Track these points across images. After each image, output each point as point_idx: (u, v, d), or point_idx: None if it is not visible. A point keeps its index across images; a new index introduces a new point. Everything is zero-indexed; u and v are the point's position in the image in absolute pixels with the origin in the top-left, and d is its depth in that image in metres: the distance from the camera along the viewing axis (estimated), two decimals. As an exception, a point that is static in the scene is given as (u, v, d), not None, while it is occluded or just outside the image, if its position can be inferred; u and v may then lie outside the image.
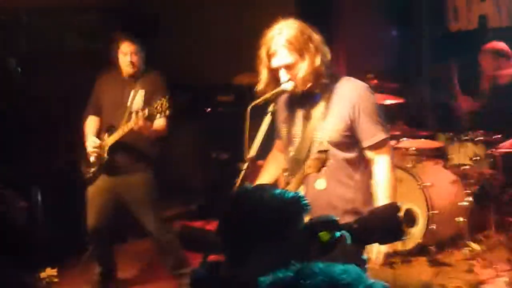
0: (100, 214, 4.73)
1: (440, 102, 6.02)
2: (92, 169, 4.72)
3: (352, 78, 3.08)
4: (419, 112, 6.03)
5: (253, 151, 2.84)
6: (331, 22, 5.57)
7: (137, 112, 4.42)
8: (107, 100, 4.73)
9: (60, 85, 5.96)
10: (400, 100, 5.42)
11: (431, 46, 6.36)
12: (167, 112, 4.37)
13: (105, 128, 4.67)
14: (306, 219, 1.84)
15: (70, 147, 5.16)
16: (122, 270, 5.26)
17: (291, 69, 2.91)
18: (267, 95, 2.93)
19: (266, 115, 2.94)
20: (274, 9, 5.06)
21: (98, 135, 4.68)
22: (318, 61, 2.92)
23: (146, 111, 4.38)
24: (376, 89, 5.09)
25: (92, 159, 4.69)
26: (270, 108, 2.97)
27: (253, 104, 2.89)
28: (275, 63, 2.91)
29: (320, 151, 2.79)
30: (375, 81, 5.25)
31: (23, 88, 6.20)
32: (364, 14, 6.23)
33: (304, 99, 3.05)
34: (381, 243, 2.42)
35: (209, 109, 6.40)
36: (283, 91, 2.96)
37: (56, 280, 4.92)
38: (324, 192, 2.93)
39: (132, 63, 4.58)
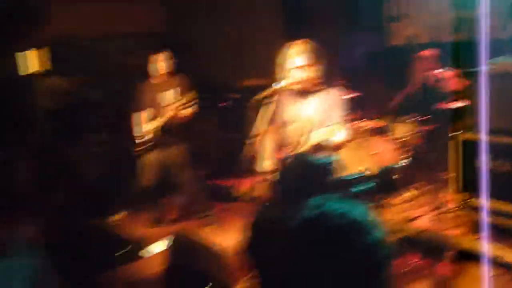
0: (152, 176, 4.96)
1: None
2: (144, 146, 4.92)
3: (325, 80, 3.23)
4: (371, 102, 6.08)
5: (257, 129, 3.09)
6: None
7: (171, 105, 4.75)
8: (150, 99, 4.91)
9: (113, 90, 6.24)
10: (359, 94, 5.56)
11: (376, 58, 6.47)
12: (191, 104, 4.70)
13: (149, 118, 4.88)
14: None
15: (125, 132, 5.25)
16: (166, 213, 5.39)
17: (304, 71, 3.08)
18: (268, 91, 3.09)
19: (265, 105, 3.09)
20: (267, 30, 5.28)
21: (146, 123, 4.89)
22: (322, 69, 3.16)
23: (177, 104, 4.72)
24: (344, 87, 5.15)
25: (143, 139, 4.89)
26: (272, 99, 3.11)
27: (257, 97, 3.10)
28: (294, 64, 3.06)
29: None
30: (343, 81, 5.26)
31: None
32: (335, 29, 6.37)
33: (301, 95, 3.21)
34: None
35: (223, 103, 6.55)
36: (281, 89, 3.10)
37: (123, 222, 5.32)
38: None
39: (162, 74, 4.82)
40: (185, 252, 3.89)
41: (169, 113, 4.74)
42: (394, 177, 5.07)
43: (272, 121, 3.26)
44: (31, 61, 6.63)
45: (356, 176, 3.67)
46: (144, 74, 4.98)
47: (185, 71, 5.19)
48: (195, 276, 3.74)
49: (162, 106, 4.82)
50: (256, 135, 3.08)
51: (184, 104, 4.70)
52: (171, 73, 4.91)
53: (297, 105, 3.23)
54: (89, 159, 5.26)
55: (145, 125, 4.91)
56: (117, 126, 5.76)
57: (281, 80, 3.09)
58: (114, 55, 7.00)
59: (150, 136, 4.89)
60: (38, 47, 6.41)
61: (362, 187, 3.13)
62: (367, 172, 4.86)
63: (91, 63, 6.68)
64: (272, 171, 3.29)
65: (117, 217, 5.30)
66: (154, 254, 4.42)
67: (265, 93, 3.09)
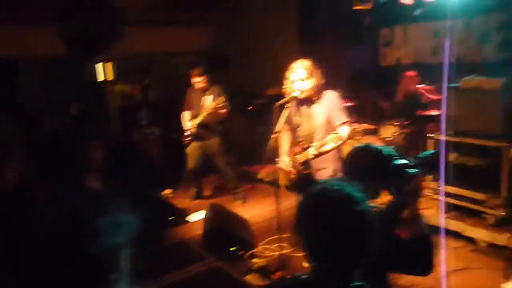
0: (194, 161, 5.02)
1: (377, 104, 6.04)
2: (189, 138, 4.97)
3: (329, 90, 3.15)
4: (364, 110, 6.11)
5: (278, 127, 3.03)
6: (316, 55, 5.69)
7: (207, 107, 4.77)
8: (194, 102, 4.98)
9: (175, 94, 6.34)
10: (352, 103, 5.53)
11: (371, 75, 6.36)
12: (224, 105, 4.74)
13: (193, 116, 4.94)
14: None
15: (176, 128, 5.35)
16: (205, 190, 5.52)
17: (303, 83, 3.01)
18: (286, 98, 3.04)
19: (284, 109, 3.06)
20: (285, 50, 5.26)
21: (190, 120, 4.96)
22: (318, 81, 3.05)
23: (213, 104, 4.80)
24: (341, 97, 5.40)
25: (188, 132, 4.96)
26: (287, 105, 3.05)
27: (278, 103, 3.05)
28: (295, 77, 3.02)
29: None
30: (342, 93, 5.33)
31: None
32: (334, 55, 6.27)
33: (307, 102, 3.13)
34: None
35: (250, 107, 6.54)
36: (295, 97, 3.05)
37: (171, 196, 5.47)
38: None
39: (199, 84, 4.87)
40: (219, 218, 4.00)
41: (204, 113, 4.81)
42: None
43: (287, 122, 3.20)
44: (106, 71, 6.82)
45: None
46: (190, 83, 5.03)
47: (224, 80, 5.23)
48: (226, 237, 3.86)
49: (201, 107, 4.89)
50: (277, 132, 3.05)
51: (215, 107, 4.74)
52: (208, 83, 4.94)
53: (306, 111, 3.16)
54: (149, 146, 5.33)
55: (189, 122, 4.99)
56: (170, 121, 5.79)
57: (291, 90, 3.06)
58: (171, 68, 7.05)
59: (194, 130, 4.96)
60: (110, 60, 6.56)
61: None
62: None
63: (154, 73, 6.78)
64: (289, 162, 3.27)
65: (168, 191, 5.43)
66: (195, 221, 4.53)
67: (285, 99, 3.06)
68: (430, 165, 1.67)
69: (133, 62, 6.78)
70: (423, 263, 1.46)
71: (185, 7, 6.51)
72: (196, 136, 4.96)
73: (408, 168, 1.48)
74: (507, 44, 5.01)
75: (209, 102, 4.85)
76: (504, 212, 3.63)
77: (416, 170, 1.48)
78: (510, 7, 4.77)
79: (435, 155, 1.80)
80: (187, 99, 5.06)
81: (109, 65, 6.87)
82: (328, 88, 3.17)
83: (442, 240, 3.81)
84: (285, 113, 3.06)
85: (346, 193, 1.12)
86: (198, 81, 4.88)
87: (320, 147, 2.89)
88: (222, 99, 4.74)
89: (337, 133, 2.85)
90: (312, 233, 1.11)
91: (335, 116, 3.06)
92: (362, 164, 1.64)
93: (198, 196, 5.33)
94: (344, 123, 3.05)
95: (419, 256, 1.44)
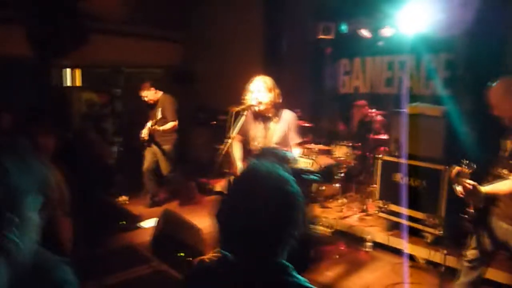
0: (148, 163, 5.19)
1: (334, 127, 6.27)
2: (145, 142, 5.18)
3: (288, 110, 3.20)
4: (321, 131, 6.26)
5: (231, 133, 2.99)
6: (282, 81, 5.86)
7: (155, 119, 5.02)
8: (151, 113, 5.21)
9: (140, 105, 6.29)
10: (310, 124, 5.62)
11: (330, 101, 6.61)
12: (173, 119, 4.95)
13: (152, 124, 5.13)
14: None
15: (135, 134, 5.41)
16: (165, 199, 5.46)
17: (261, 95, 3.05)
18: (243, 106, 3.05)
19: (241, 116, 3.07)
20: (251, 71, 5.42)
21: (145, 129, 5.16)
22: (275, 97, 3.10)
23: (152, 122, 4.99)
24: (299, 118, 5.53)
25: (144, 137, 5.15)
26: (244, 113, 3.06)
27: (235, 109, 3.04)
28: (254, 88, 3.08)
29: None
30: (300, 113, 5.40)
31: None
32: (298, 79, 6.49)
33: (264, 118, 3.16)
34: None
35: (214, 122, 6.54)
36: (251, 105, 3.07)
37: (127, 203, 5.36)
38: None
39: (149, 99, 5.14)
40: (170, 224, 3.95)
41: (148, 125, 5.06)
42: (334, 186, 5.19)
43: (242, 133, 3.19)
44: (75, 77, 6.71)
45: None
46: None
47: (189, 96, 5.34)
48: (175, 243, 3.79)
49: (155, 118, 5.11)
50: (230, 138, 3.02)
51: (160, 119, 5.01)
52: (156, 99, 5.18)
53: (263, 126, 3.17)
54: (111, 152, 5.26)
55: (144, 131, 5.17)
56: (133, 131, 5.83)
57: (249, 100, 3.12)
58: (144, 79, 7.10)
59: (146, 138, 5.15)
60: (78, 67, 6.50)
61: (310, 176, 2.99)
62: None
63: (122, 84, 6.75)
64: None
65: (124, 198, 5.33)
66: (148, 227, 4.45)
67: (241, 106, 3.08)
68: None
69: (103, 72, 6.75)
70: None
71: (156, 23, 6.63)
72: (151, 141, 5.17)
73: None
74: (451, 81, 5.40)
75: (159, 114, 5.12)
76: (441, 231, 3.78)
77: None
78: (455, 49, 5.16)
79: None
80: (148, 109, 5.28)
81: (78, 72, 6.83)
82: (287, 108, 3.23)
83: (386, 256, 3.99)
84: (240, 120, 3.08)
85: (277, 173, 1.11)
86: (146, 95, 5.16)
87: None
88: (155, 121, 5.06)
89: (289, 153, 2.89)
90: (244, 210, 1.06)
91: (291, 135, 3.12)
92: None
93: (154, 203, 5.28)
94: (298, 144, 3.13)
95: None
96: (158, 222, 4.04)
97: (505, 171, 2.45)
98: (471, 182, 2.33)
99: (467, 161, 2.35)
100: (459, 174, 2.38)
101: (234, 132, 3.04)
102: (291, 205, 1.07)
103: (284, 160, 2.11)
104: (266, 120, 3.16)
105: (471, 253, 2.84)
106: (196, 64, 7.09)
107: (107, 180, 4.41)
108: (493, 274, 3.32)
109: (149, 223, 4.51)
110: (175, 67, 7.09)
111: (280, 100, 3.13)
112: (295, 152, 3.05)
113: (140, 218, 4.68)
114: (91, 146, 3.96)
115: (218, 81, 6.67)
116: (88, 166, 3.44)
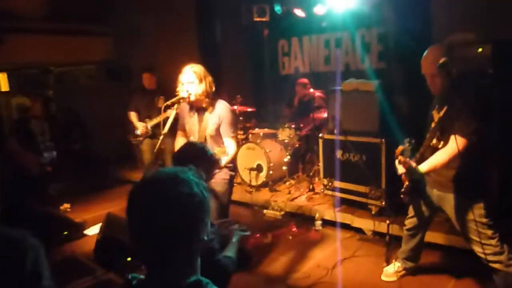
0: (151, 154, 4.84)
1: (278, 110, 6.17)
2: (140, 138, 4.86)
3: (223, 101, 3.01)
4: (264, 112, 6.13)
5: (165, 130, 2.83)
6: (220, 68, 5.64)
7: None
8: (140, 103, 4.92)
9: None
10: (253, 109, 5.60)
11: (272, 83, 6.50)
12: None
13: (145, 117, 4.85)
14: None
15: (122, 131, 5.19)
16: None
17: (192, 86, 2.85)
18: (173, 100, 2.86)
19: (170, 110, 2.96)
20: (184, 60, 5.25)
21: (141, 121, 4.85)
22: (207, 87, 2.89)
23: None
24: (241, 103, 5.30)
25: (139, 132, 4.83)
26: (175, 107, 2.90)
27: (165, 103, 2.92)
28: (185, 80, 2.87)
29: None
30: (240, 99, 5.27)
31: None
32: (237, 64, 6.39)
33: (199, 110, 2.99)
34: None
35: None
36: (182, 98, 2.87)
37: (69, 210, 5.03)
38: None
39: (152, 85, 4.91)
40: (114, 227, 3.69)
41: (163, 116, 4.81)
42: (281, 169, 5.13)
43: (181, 128, 3.08)
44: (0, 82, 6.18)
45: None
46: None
47: (127, 91, 5.04)
48: (121, 247, 3.56)
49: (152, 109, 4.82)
50: (163, 134, 2.82)
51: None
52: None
53: (196, 118, 3.01)
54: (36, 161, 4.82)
55: (140, 123, 4.89)
56: (69, 133, 5.48)
57: (180, 92, 2.90)
58: (78, 77, 6.68)
59: (145, 130, 4.88)
60: (2, 70, 5.95)
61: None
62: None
63: (54, 85, 6.29)
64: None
65: (66, 206, 5.00)
66: (91, 235, 4.18)
67: (171, 100, 2.89)
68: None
69: (32, 74, 6.25)
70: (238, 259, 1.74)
71: (79, 18, 6.18)
72: (151, 135, 4.87)
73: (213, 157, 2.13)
74: (384, 54, 5.45)
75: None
76: (384, 202, 3.83)
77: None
78: (385, 22, 5.19)
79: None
80: (134, 100, 4.96)
81: (3, 76, 6.25)
82: (224, 98, 3.07)
83: (335, 232, 3.99)
84: (171, 115, 2.92)
85: (174, 174, 1.03)
86: (151, 82, 4.94)
87: None
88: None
89: (222, 148, 2.73)
90: (141, 226, 0.99)
91: (225, 128, 2.95)
92: (190, 153, 2.09)
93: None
94: (232, 137, 2.96)
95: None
96: (100, 228, 3.79)
97: (435, 141, 2.47)
98: (412, 163, 2.38)
99: (408, 138, 2.38)
100: (402, 152, 2.41)
101: (166, 128, 2.86)
102: (191, 212, 1.00)
103: (203, 150, 2.19)
104: (200, 112, 2.99)
105: (409, 222, 2.97)
106: (129, 58, 6.71)
107: (37, 190, 4.01)
108: (433, 236, 3.43)
109: (94, 230, 4.24)
110: (108, 63, 6.70)
111: (214, 89, 2.95)
112: (230, 146, 2.89)
113: (85, 225, 4.38)
114: (12, 157, 3.59)
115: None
116: (12, 180, 3.10)
